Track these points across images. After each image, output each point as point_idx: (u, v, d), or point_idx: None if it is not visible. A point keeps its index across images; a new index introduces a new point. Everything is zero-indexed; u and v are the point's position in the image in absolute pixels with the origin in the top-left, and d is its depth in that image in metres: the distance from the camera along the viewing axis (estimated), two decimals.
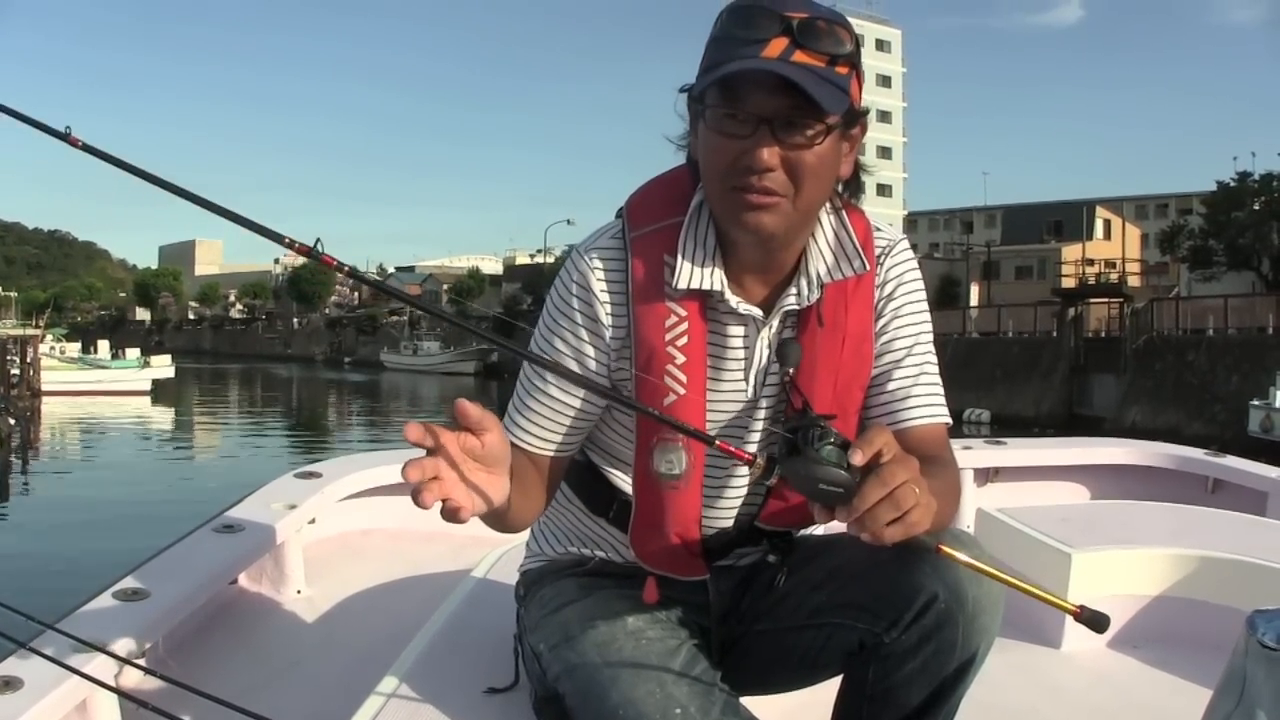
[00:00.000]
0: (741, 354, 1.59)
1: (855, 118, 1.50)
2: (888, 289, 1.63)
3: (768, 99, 1.40)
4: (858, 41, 1.47)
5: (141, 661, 1.97)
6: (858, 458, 1.23)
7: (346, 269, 1.33)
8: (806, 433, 1.26)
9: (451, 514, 1.25)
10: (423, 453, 1.24)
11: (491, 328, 1.65)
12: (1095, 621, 1.26)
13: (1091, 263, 47.89)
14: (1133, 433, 25.20)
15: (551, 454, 1.61)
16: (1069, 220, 61.85)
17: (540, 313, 1.62)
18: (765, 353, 1.59)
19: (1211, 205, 45.19)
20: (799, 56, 1.39)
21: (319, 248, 1.26)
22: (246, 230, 1.29)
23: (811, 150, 1.42)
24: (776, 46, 1.40)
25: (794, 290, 1.56)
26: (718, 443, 1.32)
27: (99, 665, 1.77)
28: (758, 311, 1.56)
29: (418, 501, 1.20)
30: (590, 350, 1.57)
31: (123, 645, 1.88)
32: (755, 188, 1.43)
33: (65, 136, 1.36)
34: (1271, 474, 3.55)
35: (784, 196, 1.44)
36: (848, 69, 1.44)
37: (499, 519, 1.50)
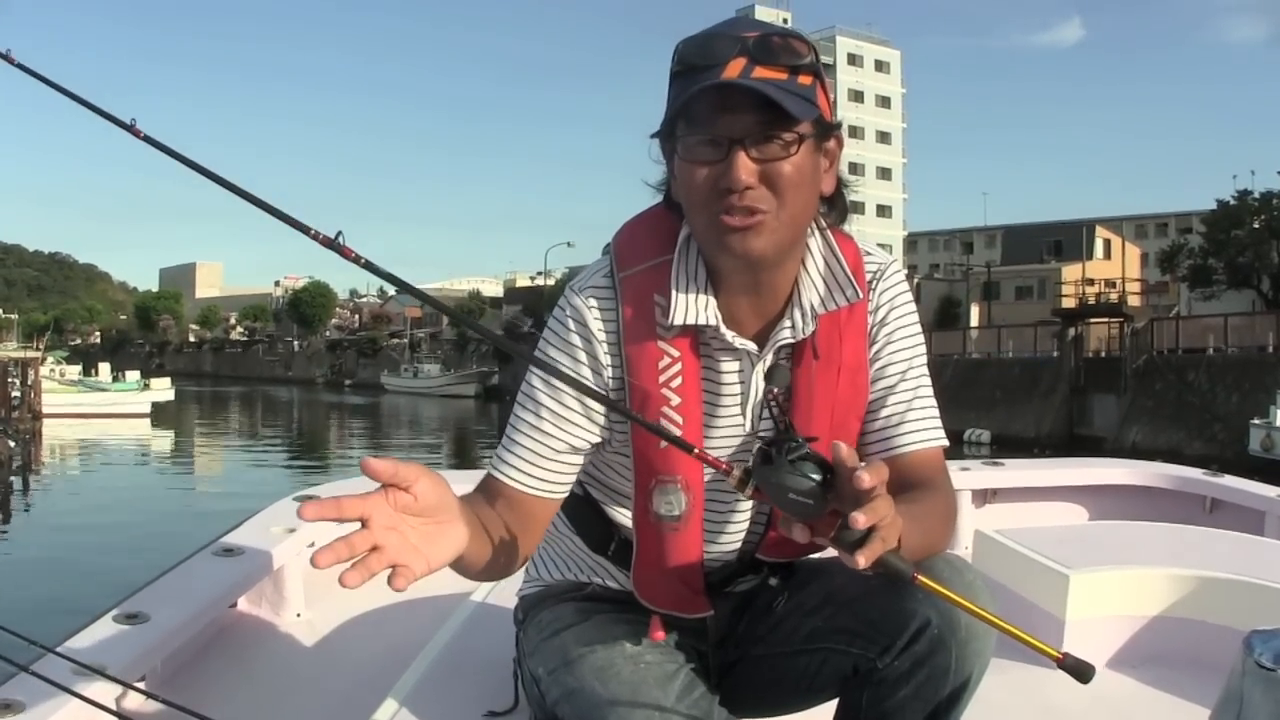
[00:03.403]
0: (737, 389, 1.58)
1: (828, 129, 1.49)
2: (880, 314, 1.63)
3: (736, 118, 1.40)
4: (817, 53, 1.47)
5: (141, 685, 1.97)
6: (843, 452, 1.21)
7: (363, 261, 1.30)
8: (781, 445, 1.27)
9: (398, 579, 1.15)
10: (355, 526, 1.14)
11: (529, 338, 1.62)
12: (1079, 671, 1.22)
13: (1091, 282, 47.89)
14: (1133, 453, 25.27)
15: (539, 495, 1.57)
16: (1069, 240, 61.93)
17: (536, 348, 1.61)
18: (761, 386, 1.58)
19: (1211, 224, 45.21)
20: (759, 73, 1.40)
21: (340, 240, 1.27)
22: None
23: (789, 161, 1.42)
24: (735, 67, 1.40)
25: (788, 323, 1.55)
26: (696, 450, 1.32)
27: (99, 689, 1.77)
28: (752, 345, 1.55)
29: (344, 581, 1.08)
30: (590, 396, 1.54)
31: (123, 669, 1.88)
32: (738, 209, 1.42)
33: (130, 127, 1.39)
34: (1269, 493, 3.56)
35: (768, 212, 1.43)
36: (811, 78, 1.44)
37: (473, 566, 1.44)
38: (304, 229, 1.29)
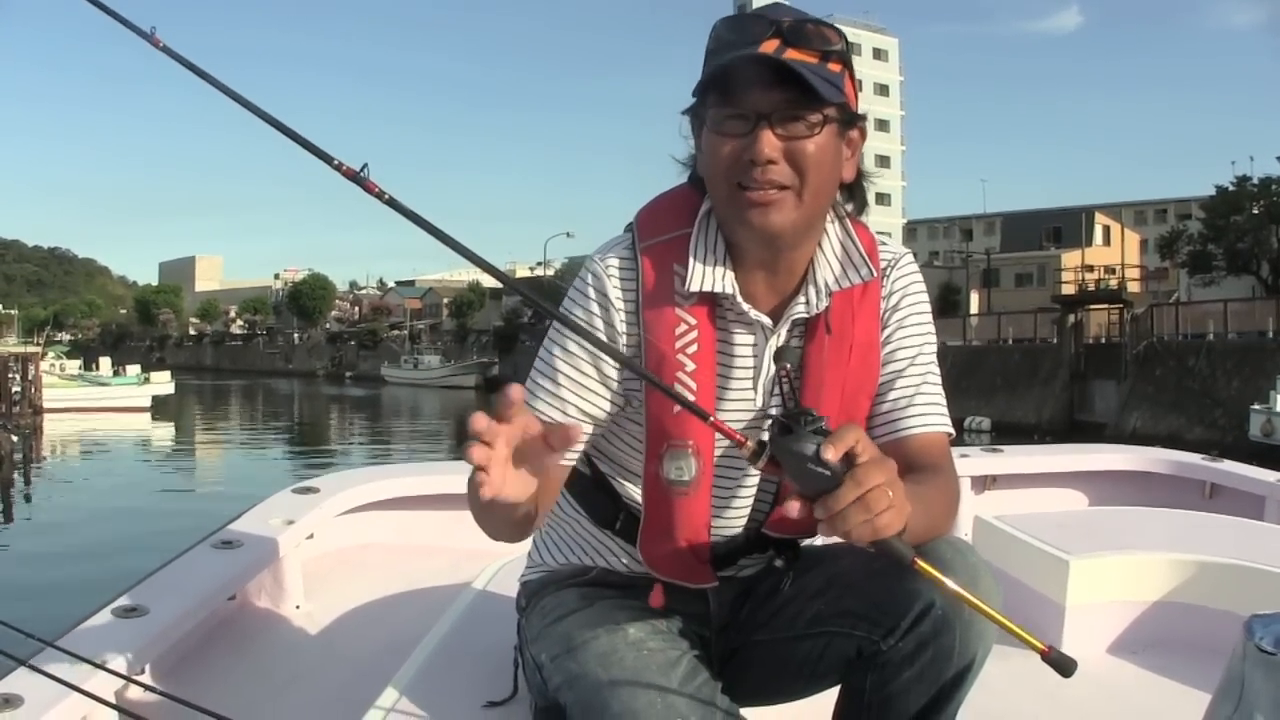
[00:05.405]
0: (750, 362, 1.61)
1: (852, 118, 1.53)
2: (893, 299, 1.66)
3: (764, 94, 1.45)
4: (848, 43, 1.51)
5: (141, 678, 1.97)
6: (829, 453, 1.23)
7: (387, 197, 1.27)
8: (799, 418, 1.29)
9: (489, 489, 1.16)
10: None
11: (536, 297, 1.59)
12: (1062, 665, 1.24)
13: (1091, 269, 47.91)
14: (1134, 439, 25.28)
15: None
16: (1068, 227, 62.00)
17: (550, 322, 1.61)
18: (773, 363, 1.60)
19: (1210, 210, 45.19)
20: (791, 54, 1.45)
21: (365, 173, 1.26)
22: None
23: (812, 140, 1.47)
24: (769, 47, 1.45)
25: (803, 299, 1.59)
26: (711, 418, 1.33)
27: (99, 682, 1.77)
28: (766, 319, 1.58)
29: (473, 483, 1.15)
30: (608, 354, 1.57)
31: (123, 662, 1.88)
32: (759, 182, 1.46)
33: (149, 36, 1.36)
34: (1269, 478, 3.57)
35: (789, 188, 1.47)
36: (840, 66, 1.49)
37: (505, 521, 1.48)
38: (327, 158, 1.29)
